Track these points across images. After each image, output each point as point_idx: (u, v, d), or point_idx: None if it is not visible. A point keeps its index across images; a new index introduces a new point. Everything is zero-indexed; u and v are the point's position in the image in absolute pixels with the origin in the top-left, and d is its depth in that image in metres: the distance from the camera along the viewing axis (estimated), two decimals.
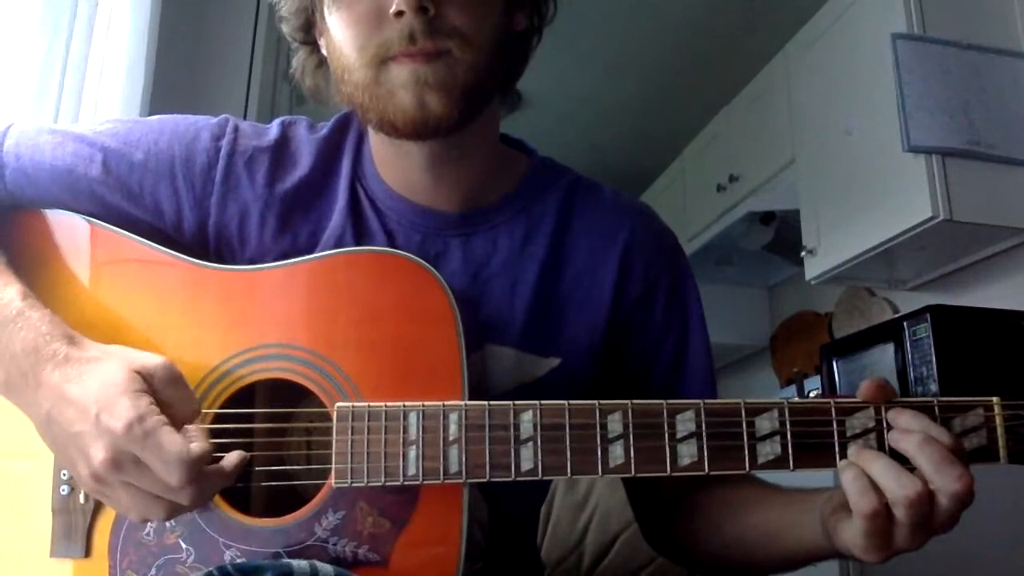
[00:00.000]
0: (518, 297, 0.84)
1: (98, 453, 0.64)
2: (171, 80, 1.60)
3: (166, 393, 0.68)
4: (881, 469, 0.64)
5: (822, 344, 2.59)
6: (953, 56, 2.20)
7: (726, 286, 3.57)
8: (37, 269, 0.79)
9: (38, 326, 0.71)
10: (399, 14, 0.73)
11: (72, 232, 0.81)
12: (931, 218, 2.10)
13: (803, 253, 2.65)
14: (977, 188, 2.13)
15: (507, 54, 0.82)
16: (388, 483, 0.69)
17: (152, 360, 0.69)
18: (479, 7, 0.77)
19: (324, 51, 0.83)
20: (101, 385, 0.66)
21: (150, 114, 1.24)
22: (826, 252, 2.56)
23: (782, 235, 3.14)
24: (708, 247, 3.35)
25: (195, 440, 0.66)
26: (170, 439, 0.64)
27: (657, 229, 0.93)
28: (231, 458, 0.69)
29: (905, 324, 2.06)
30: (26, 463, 0.75)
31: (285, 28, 0.87)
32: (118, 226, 0.81)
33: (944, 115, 2.15)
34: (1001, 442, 0.68)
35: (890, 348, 2.11)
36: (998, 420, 0.68)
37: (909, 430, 0.66)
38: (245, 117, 1.78)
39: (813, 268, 2.62)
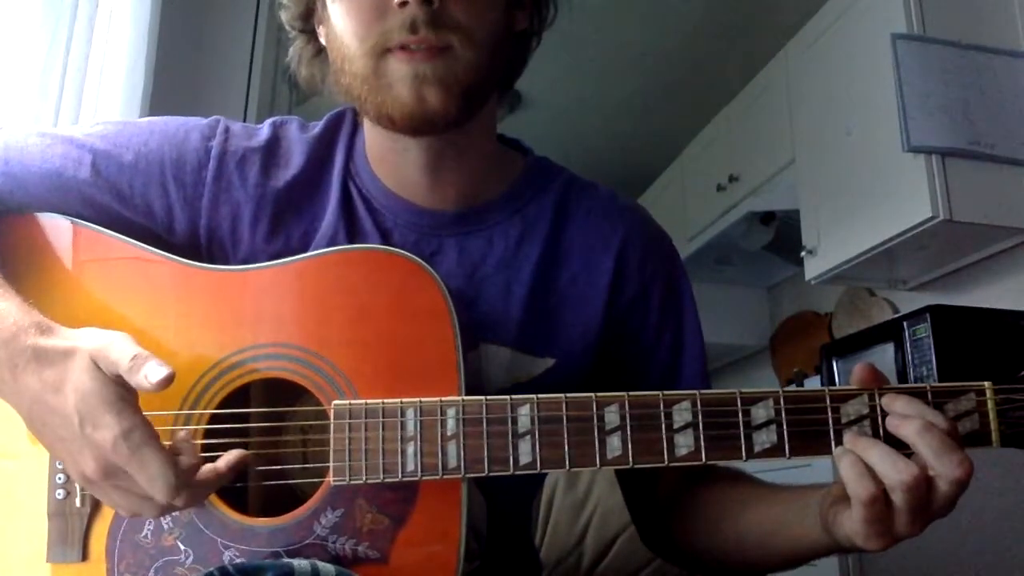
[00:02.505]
0: (513, 297, 0.84)
1: (88, 463, 0.64)
2: (171, 80, 1.60)
3: (122, 352, 0.65)
4: (878, 456, 0.64)
5: (822, 344, 2.59)
6: (953, 56, 2.20)
7: (726, 286, 3.57)
8: (29, 272, 0.78)
9: (5, 317, 0.69)
10: (403, 4, 0.73)
11: (63, 235, 0.80)
12: (931, 218, 2.10)
13: (803, 253, 2.65)
14: (977, 188, 2.13)
15: (507, 53, 0.82)
16: (387, 479, 0.69)
17: (107, 340, 0.67)
18: (482, 3, 0.77)
19: (323, 40, 0.83)
20: (78, 395, 0.65)
21: (150, 114, 1.24)
22: (826, 252, 2.56)
23: (782, 235, 3.14)
24: (708, 247, 3.35)
25: (184, 453, 0.67)
26: (154, 456, 0.63)
27: (652, 230, 0.92)
28: (227, 458, 0.69)
29: (905, 324, 2.06)
30: (19, 467, 0.74)
31: (284, 15, 0.86)
32: (110, 228, 0.80)
33: (944, 115, 2.15)
34: (993, 426, 0.68)
35: (890, 348, 2.11)
36: (990, 404, 0.69)
37: (907, 415, 0.66)
38: (245, 117, 1.78)
39: (813, 268, 2.63)
